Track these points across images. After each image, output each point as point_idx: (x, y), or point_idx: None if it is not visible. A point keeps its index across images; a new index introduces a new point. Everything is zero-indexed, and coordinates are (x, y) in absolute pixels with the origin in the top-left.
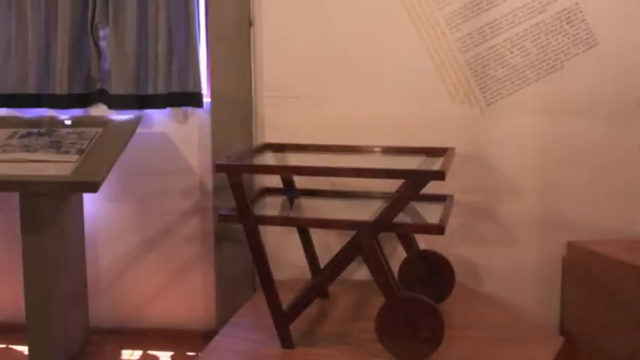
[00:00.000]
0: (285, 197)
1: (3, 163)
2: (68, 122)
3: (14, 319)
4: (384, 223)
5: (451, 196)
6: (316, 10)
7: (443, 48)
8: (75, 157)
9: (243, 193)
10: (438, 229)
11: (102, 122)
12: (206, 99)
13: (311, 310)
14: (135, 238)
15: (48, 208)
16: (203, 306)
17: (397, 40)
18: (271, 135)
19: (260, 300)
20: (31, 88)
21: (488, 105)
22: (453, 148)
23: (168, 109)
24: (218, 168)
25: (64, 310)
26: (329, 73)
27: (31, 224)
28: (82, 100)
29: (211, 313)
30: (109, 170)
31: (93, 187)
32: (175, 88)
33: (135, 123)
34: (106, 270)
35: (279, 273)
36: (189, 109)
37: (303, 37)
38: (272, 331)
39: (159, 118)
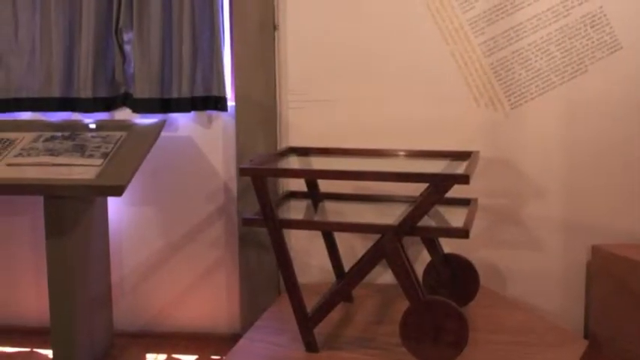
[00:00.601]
0: (309, 201)
1: (27, 166)
2: (92, 126)
3: (39, 323)
4: (408, 226)
5: (475, 200)
6: (340, 14)
7: (467, 51)
8: (99, 161)
9: (268, 196)
10: (463, 233)
11: (126, 126)
12: (230, 102)
13: (335, 313)
14: (159, 242)
15: (72, 211)
16: (227, 309)
17: (422, 43)
18: (295, 138)
19: (284, 303)
20: (55, 92)
21: (512, 109)
22: (478, 152)
23: (192, 113)
24: (242, 171)
25: (89, 313)
26: (353, 76)
27: (56, 228)
28: (107, 104)
29: (235, 316)
30: (133, 174)
31: (117, 191)
32: (200, 92)
33: (159, 127)
34: (130, 273)
35: (303, 276)
36: (214, 112)
37: (327, 41)
38: (296, 334)
39: (183, 121)
